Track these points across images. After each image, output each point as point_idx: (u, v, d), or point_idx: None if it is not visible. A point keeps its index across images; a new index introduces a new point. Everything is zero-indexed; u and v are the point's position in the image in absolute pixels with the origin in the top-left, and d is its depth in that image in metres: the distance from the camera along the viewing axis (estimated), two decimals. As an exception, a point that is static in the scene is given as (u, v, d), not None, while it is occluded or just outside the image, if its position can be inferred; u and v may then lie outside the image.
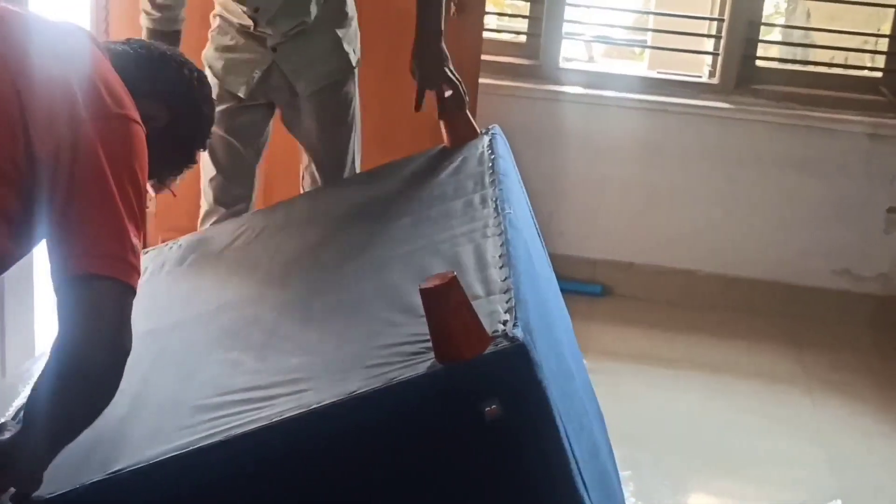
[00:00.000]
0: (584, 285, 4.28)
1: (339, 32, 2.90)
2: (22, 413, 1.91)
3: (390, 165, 2.64)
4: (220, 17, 2.89)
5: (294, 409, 1.59)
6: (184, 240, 2.56)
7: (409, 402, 1.54)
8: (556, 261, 3.75)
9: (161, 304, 2.24)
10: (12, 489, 1.60)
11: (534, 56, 4.25)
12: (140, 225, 1.63)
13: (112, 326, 1.55)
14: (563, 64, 4.28)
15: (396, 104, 3.55)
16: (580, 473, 1.61)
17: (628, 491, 2.92)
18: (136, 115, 1.69)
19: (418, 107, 2.66)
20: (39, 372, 2.04)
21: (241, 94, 2.85)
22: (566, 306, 2.69)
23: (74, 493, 1.59)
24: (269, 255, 2.33)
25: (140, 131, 1.68)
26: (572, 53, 4.55)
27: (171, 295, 2.31)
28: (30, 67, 1.59)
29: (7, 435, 1.69)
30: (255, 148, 2.96)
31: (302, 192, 3.08)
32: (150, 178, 1.94)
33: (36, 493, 1.60)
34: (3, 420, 1.97)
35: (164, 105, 1.86)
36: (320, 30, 2.87)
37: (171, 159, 1.96)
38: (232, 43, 2.86)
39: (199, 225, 2.96)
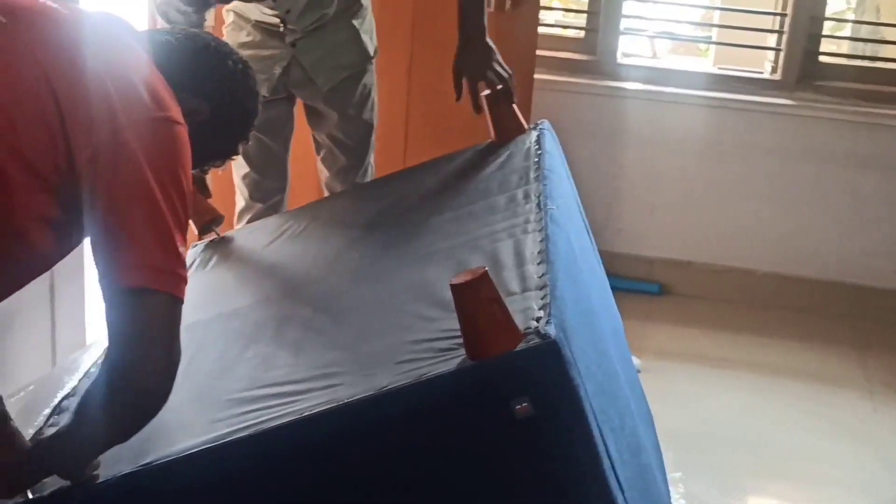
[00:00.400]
0: (641, 284, 4.24)
1: (356, 23, 2.90)
2: (62, 405, 1.94)
3: (437, 161, 2.62)
4: (235, 12, 2.89)
5: (325, 404, 1.58)
6: (227, 235, 2.57)
7: (439, 399, 1.53)
8: (613, 259, 3.74)
9: (202, 298, 2.24)
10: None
11: (591, 52, 4.21)
12: (185, 230, 1.60)
13: (163, 345, 1.54)
14: (621, 60, 4.23)
15: (446, 99, 3.54)
16: (615, 472, 1.58)
17: (678, 493, 2.88)
18: (179, 115, 1.66)
19: (459, 97, 2.63)
20: (89, 366, 2.09)
21: (263, 92, 2.85)
22: (621, 305, 2.66)
23: (107, 483, 1.60)
24: (313, 250, 2.33)
25: (183, 132, 1.65)
26: (633, 49, 4.50)
27: (213, 289, 2.32)
28: (67, 69, 1.56)
29: (51, 431, 1.71)
30: (282, 141, 2.97)
31: (321, 181, 3.09)
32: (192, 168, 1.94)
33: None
34: (47, 411, 1.99)
35: (205, 99, 1.82)
36: (338, 22, 2.86)
37: (213, 151, 1.93)
38: (249, 39, 2.86)
39: (234, 222, 2.97)
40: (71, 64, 1.56)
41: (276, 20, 2.80)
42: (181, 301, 1.56)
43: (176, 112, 1.65)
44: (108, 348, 1.54)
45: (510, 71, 2.63)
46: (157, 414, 1.57)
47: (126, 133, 1.55)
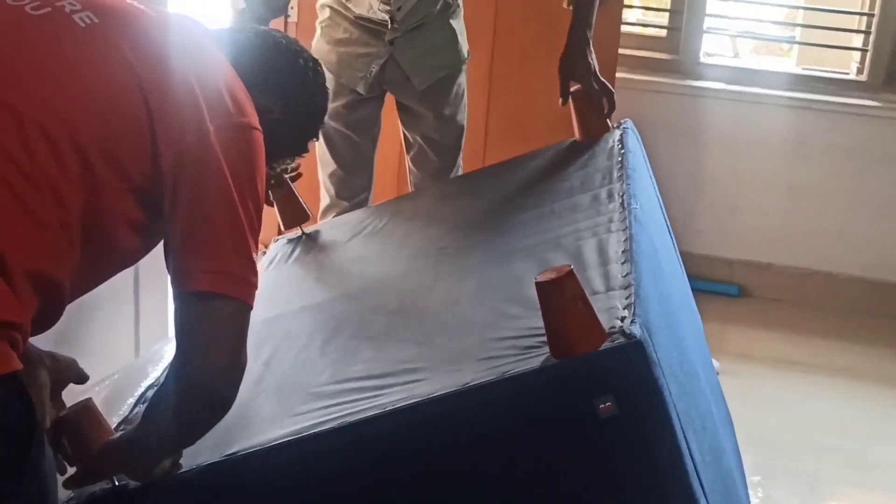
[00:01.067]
0: (721, 285, 4.20)
1: (454, 24, 2.90)
2: (147, 395, 1.97)
3: (520, 159, 2.62)
4: (331, 8, 2.90)
5: (407, 399, 1.59)
6: (310, 230, 2.59)
7: (522, 396, 1.52)
8: (692, 260, 3.71)
9: (286, 292, 2.27)
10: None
11: (674, 51, 4.18)
12: (258, 237, 1.60)
13: (231, 352, 1.54)
14: (703, 59, 4.19)
15: (530, 96, 3.54)
16: (697, 474, 1.56)
17: (757, 497, 2.85)
18: (256, 120, 1.66)
19: (566, 102, 2.60)
20: (167, 363, 2.11)
21: (360, 90, 2.86)
22: (700, 307, 2.63)
23: (189, 473, 1.62)
24: (394, 246, 2.34)
25: (260, 138, 1.65)
26: (715, 48, 4.46)
27: (296, 283, 2.34)
28: (156, 72, 1.57)
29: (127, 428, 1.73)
30: (371, 139, 2.98)
31: (409, 184, 3.10)
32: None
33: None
34: (132, 400, 2.02)
35: (278, 97, 1.82)
36: (437, 22, 2.87)
37: (284, 149, 1.93)
38: (346, 36, 2.87)
39: (318, 218, 2.99)
40: (160, 67, 1.57)
41: (383, 16, 2.81)
42: (250, 308, 1.56)
43: (253, 117, 1.66)
44: (177, 352, 1.55)
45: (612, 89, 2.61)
46: (223, 417, 1.58)
47: (211, 138, 1.56)
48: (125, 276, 2.44)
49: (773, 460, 3.06)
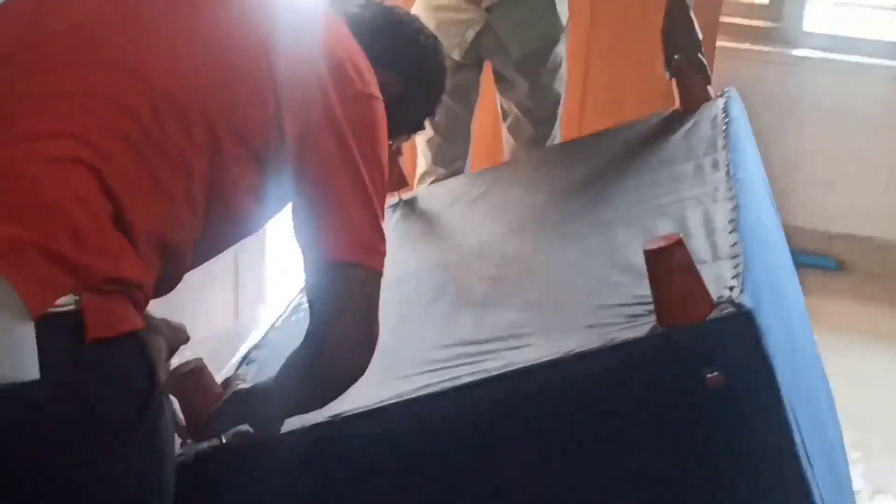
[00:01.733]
0: (820, 259, 4.12)
1: None
2: (251, 355, 2.00)
3: (620, 128, 2.60)
4: None
5: (511, 365, 1.59)
6: (408, 196, 2.59)
7: (627, 365, 1.52)
8: (791, 232, 3.62)
9: (390, 257, 2.27)
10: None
11: (776, 18, 4.09)
12: (384, 206, 1.61)
13: (365, 320, 1.56)
14: (806, 27, 4.10)
15: (628, 67, 3.51)
16: (804, 447, 1.55)
17: (857, 473, 2.80)
18: (378, 92, 1.66)
19: (672, 77, 2.57)
20: (274, 321, 2.14)
21: (455, 56, 2.85)
22: (800, 279, 2.59)
23: (295, 434, 1.64)
24: (494, 213, 2.34)
25: (382, 108, 1.66)
26: (818, 17, 4.36)
27: (394, 250, 2.33)
28: (282, 42, 1.57)
29: (242, 384, 1.76)
30: (469, 106, 2.98)
31: (505, 152, 3.09)
32: None
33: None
34: (234, 360, 2.06)
35: (398, 73, 1.82)
36: None
37: (402, 125, 1.92)
38: (444, 2, 2.86)
39: (415, 184, 2.99)
40: (286, 37, 1.58)
41: None
42: (381, 276, 1.58)
43: (376, 88, 1.66)
44: (311, 320, 1.57)
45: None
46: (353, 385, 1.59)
47: (336, 109, 1.56)
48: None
49: (872, 437, 3.00)
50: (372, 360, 1.62)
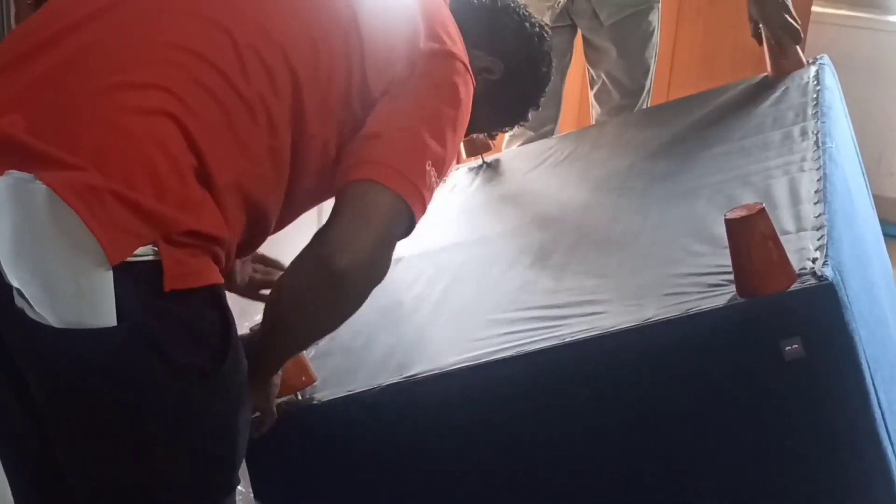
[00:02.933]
0: (912, 231, 4.03)
1: None
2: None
3: (708, 93, 2.56)
4: None
5: (588, 331, 1.58)
6: (491, 159, 2.59)
7: (706, 335, 1.50)
8: (883, 203, 3.56)
9: (466, 220, 2.28)
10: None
11: (874, -16, 4.00)
12: (442, 169, 1.56)
13: (374, 237, 1.47)
14: (905, -6, 4.00)
15: (719, 31, 3.45)
16: (885, 423, 1.52)
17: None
18: (467, 59, 1.64)
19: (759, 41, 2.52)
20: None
21: (546, 20, 2.82)
22: (890, 252, 2.54)
23: (371, 393, 1.66)
24: (576, 177, 2.32)
25: (469, 80, 1.63)
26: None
27: (476, 212, 2.36)
28: (370, 10, 1.57)
29: None
30: (560, 70, 2.94)
31: (591, 119, 3.05)
32: (478, 131, 1.94)
33: (333, 394, 1.68)
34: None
35: (500, 59, 1.80)
36: None
37: (501, 115, 1.91)
38: None
39: (503, 146, 2.98)
40: (377, 4, 1.58)
41: None
42: (412, 216, 1.51)
43: (465, 55, 1.64)
44: (324, 226, 1.50)
45: (799, 23, 2.51)
46: (345, 314, 1.52)
47: (420, 62, 1.56)
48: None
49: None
50: (447, 320, 1.61)
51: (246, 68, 1.45)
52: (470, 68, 1.64)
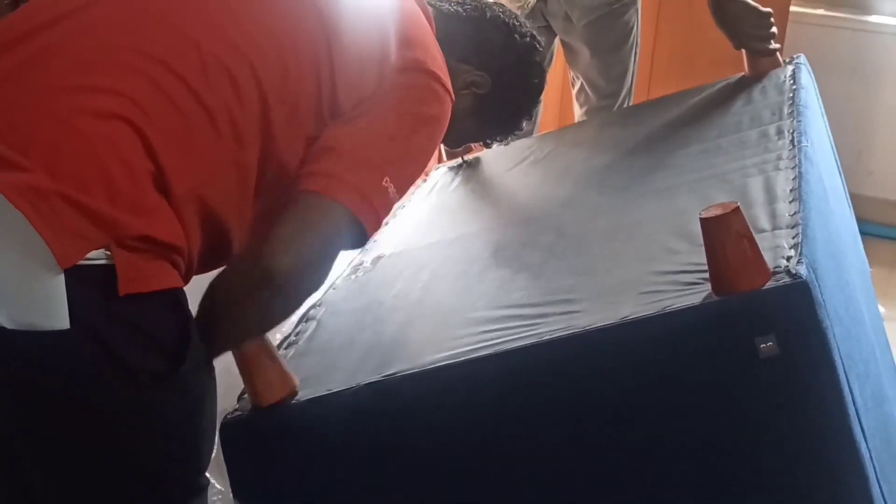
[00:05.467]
0: (890, 229, 4.06)
1: None
2: (309, 313, 2.01)
3: (686, 92, 2.57)
4: None
5: (565, 330, 1.59)
6: (471, 158, 2.59)
7: (681, 332, 1.51)
8: (863, 202, 3.59)
9: (446, 219, 2.29)
10: None
11: (851, -16, 4.03)
12: (405, 187, 1.55)
13: (316, 246, 1.48)
14: (882, -6, 4.03)
15: (699, 30, 3.46)
16: (859, 419, 1.53)
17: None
18: (447, 80, 1.62)
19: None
20: (335, 279, 2.15)
21: None
22: (868, 250, 2.56)
23: (349, 392, 1.65)
24: (555, 176, 2.33)
25: (442, 95, 1.61)
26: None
27: (456, 210, 2.36)
28: (343, 21, 1.55)
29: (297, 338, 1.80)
30: None
31: (575, 116, 3.06)
32: (470, 141, 1.99)
33: (312, 392, 1.68)
34: (294, 319, 2.08)
35: (488, 72, 1.80)
36: None
37: (493, 127, 1.91)
38: None
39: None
40: (349, 16, 1.56)
41: None
42: (360, 227, 1.50)
43: (443, 72, 1.63)
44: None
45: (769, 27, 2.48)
46: (275, 316, 1.54)
47: (388, 81, 1.55)
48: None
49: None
50: (426, 318, 1.60)
51: (210, 79, 1.44)
52: (446, 83, 1.62)
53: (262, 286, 1.49)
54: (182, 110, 1.43)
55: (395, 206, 1.57)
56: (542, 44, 1.89)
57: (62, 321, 1.32)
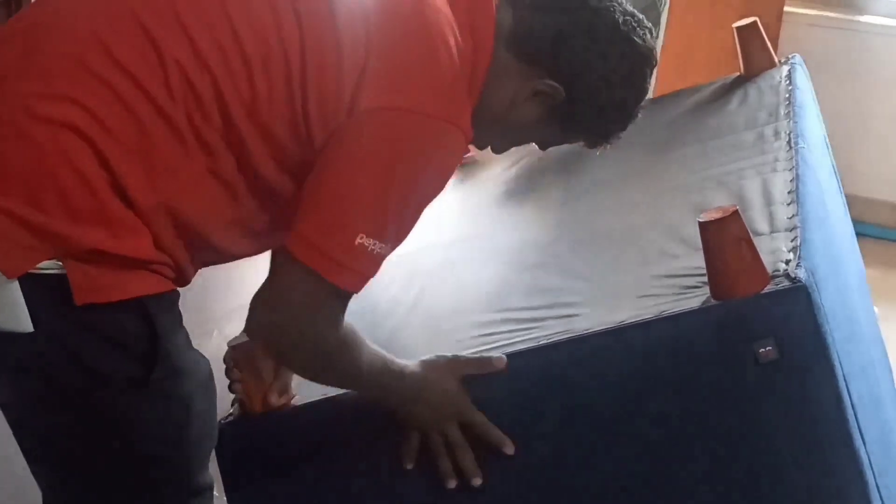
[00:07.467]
0: (884, 230, 4.05)
1: None
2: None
3: (681, 93, 2.56)
4: None
5: (563, 334, 1.59)
6: (467, 159, 2.58)
7: (679, 337, 1.51)
8: (856, 203, 3.58)
9: (443, 220, 2.27)
10: None
11: (846, -17, 4.02)
12: (388, 237, 1.46)
13: (291, 314, 1.46)
14: (877, -7, 4.03)
15: (694, 31, 3.46)
16: (857, 423, 1.53)
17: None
18: (438, 110, 1.46)
19: None
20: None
21: None
22: (863, 251, 2.56)
23: (343, 397, 1.64)
24: (552, 178, 2.32)
25: (437, 132, 1.47)
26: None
27: (453, 212, 2.35)
28: (322, 34, 1.45)
29: None
30: None
31: None
32: (558, 143, 1.75)
33: (308, 397, 1.68)
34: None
35: (561, 81, 1.56)
36: None
37: (582, 134, 1.68)
38: None
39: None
40: (329, 28, 1.46)
41: None
42: (334, 287, 1.45)
43: (433, 105, 1.46)
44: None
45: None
46: (308, 370, 1.57)
47: (362, 117, 1.44)
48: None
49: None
50: (423, 321, 1.58)
51: (172, 89, 1.41)
52: (435, 111, 1.46)
53: (269, 349, 1.55)
54: (142, 121, 1.40)
55: (388, 255, 1.49)
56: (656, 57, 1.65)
57: (26, 324, 1.36)
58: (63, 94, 1.39)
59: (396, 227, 1.48)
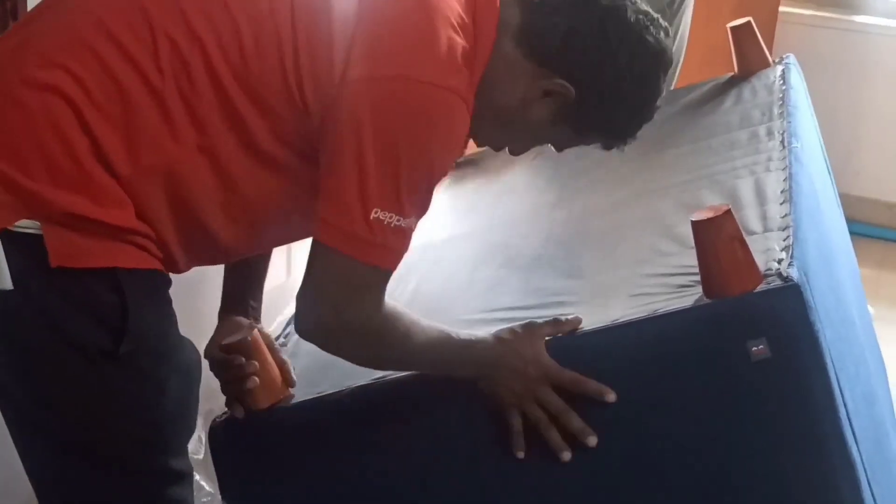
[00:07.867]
0: (879, 229, 4.06)
1: None
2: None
3: (675, 92, 2.57)
4: None
5: (555, 333, 1.59)
6: (461, 160, 2.58)
7: (672, 335, 1.51)
8: (851, 202, 3.60)
9: (437, 220, 2.27)
10: None
11: (841, -17, 4.03)
12: (405, 209, 1.44)
13: (333, 306, 1.47)
14: (871, -7, 4.04)
15: (694, 28, 3.46)
16: (850, 421, 1.53)
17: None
18: (443, 79, 1.44)
19: None
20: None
21: None
22: (857, 250, 2.56)
23: (340, 395, 1.65)
24: (546, 176, 2.32)
25: (441, 99, 1.44)
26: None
27: (447, 211, 2.35)
28: (313, 5, 1.46)
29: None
30: None
31: None
32: (570, 146, 1.69)
33: (302, 395, 1.69)
34: (280, 319, 2.07)
35: (569, 79, 1.52)
36: None
37: (595, 134, 1.63)
38: None
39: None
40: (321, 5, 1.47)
41: None
42: (366, 265, 1.45)
43: (438, 74, 1.44)
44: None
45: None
46: (357, 357, 1.57)
47: (359, 86, 1.43)
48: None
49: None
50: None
51: (161, 63, 1.42)
52: (431, 78, 1.44)
53: (324, 346, 1.55)
54: (127, 94, 1.41)
55: (415, 223, 1.49)
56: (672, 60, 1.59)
57: (5, 282, 1.37)
58: (59, 63, 1.42)
59: (410, 199, 1.46)
